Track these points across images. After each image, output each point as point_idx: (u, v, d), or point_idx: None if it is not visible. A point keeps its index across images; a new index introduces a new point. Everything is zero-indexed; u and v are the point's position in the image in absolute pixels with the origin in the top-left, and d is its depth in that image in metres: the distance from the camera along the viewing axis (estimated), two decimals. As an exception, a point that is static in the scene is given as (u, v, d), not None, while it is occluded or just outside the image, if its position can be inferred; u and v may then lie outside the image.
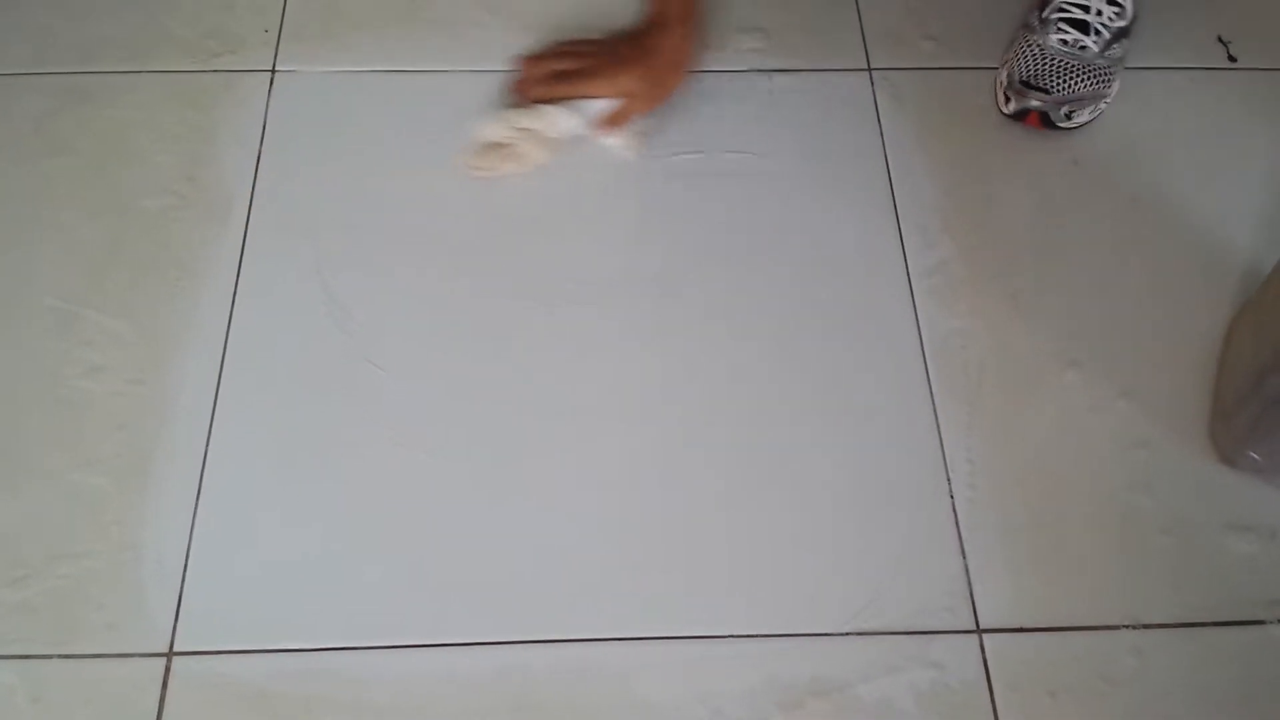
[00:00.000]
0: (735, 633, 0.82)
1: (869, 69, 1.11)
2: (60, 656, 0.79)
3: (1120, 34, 1.06)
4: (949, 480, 0.88)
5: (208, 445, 0.88)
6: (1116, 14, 1.05)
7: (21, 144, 1.04)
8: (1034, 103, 1.03)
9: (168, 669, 0.79)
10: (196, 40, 1.10)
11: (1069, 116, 1.04)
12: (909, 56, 1.12)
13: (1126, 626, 0.83)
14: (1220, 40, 1.14)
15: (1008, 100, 1.06)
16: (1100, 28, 1.05)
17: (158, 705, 0.78)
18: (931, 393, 0.92)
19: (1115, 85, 1.07)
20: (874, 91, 1.10)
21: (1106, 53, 1.05)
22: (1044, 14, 1.07)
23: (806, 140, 1.06)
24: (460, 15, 1.13)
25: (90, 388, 0.90)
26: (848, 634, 0.82)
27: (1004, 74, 1.07)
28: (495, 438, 0.89)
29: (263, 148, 1.04)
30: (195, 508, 0.86)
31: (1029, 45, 1.06)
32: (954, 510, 0.87)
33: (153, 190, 1.01)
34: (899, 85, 1.10)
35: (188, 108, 1.06)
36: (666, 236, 1.00)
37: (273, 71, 1.08)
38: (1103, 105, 1.06)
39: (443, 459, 0.88)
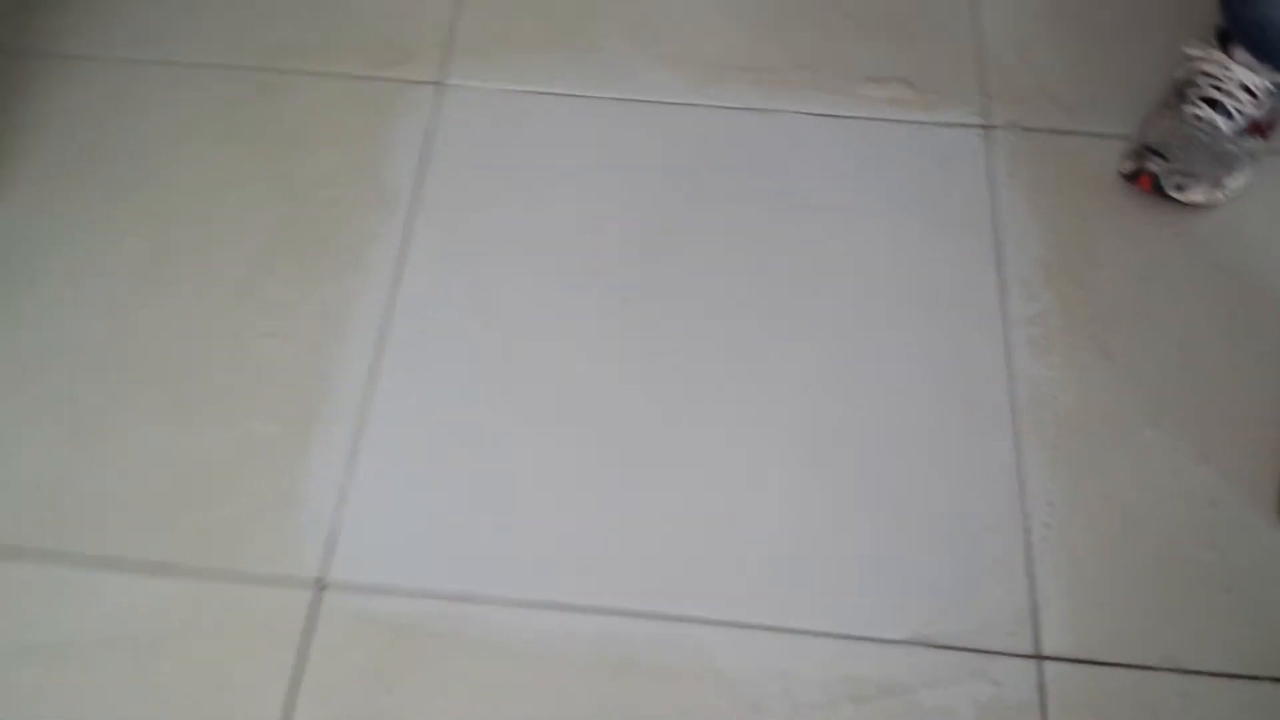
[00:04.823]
0: (819, 629, 0.90)
1: (987, 126, 1.18)
2: (222, 577, 0.91)
3: (1257, 126, 1.11)
4: (1026, 516, 0.95)
5: (368, 409, 0.99)
6: (1252, 102, 1.09)
7: (213, 127, 1.17)
8: (1149, 165, 1.09)
9: (315, 598, 0.90)
10: (374, 49, 1.23)
11: (1180, 188, 1.09)
12: (1031, 117, 1.19)
13: (1177, 670, 0.89)
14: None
15: (1126, 160, 1.12)
16: (1234, 111, 1.09)
17: (302, 628, 0.89)
18: (1016, 434, 0.99)
19: (1239, 178, 1.10)
20: (989, 147, 1.17)
21: (1239, 140, 1.10)
22: (1182, 93, 1.12)
23: (915, 188, 1.14)
24: (609, 45, 1.24)
25: (267, 349, 1.02)
26: (918, 644, 0.89)
27: (1133, 138, 1.13)
28: (623, 431, 0.99)
29: (427, 152, 1.15)
30: (353, 462, 0.97)
31: (1161, 115, 1.12)
32: (1028, 545, 0.94)
33: (325, 182, 1.13)
34: (1015, 144, 1.17)
35: (361, 110, 1.18)
36: (780, 266, 1.09)
37: (441, 84, 1.20)
38: (1221, 195, 1.10)
39: (574, 444, 0.98)
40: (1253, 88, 1.09)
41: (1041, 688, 0.88)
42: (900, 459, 0.98)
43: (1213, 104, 1.10)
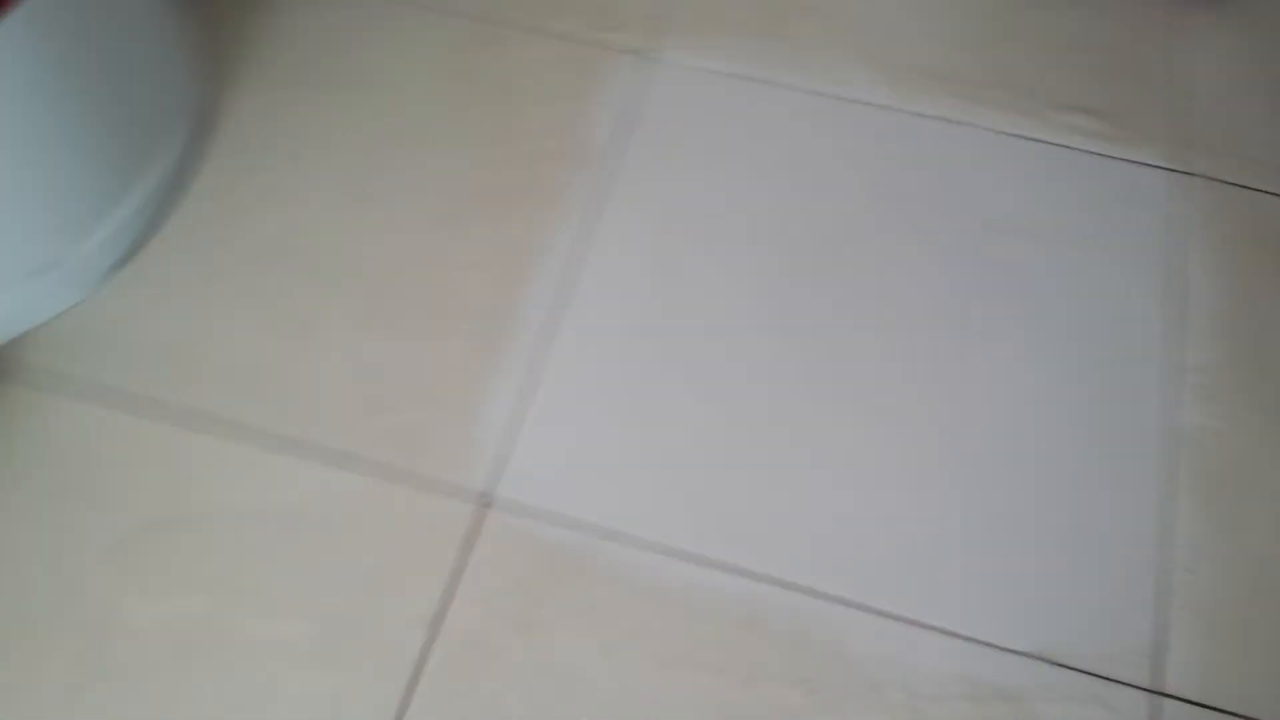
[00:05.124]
0: (945, 627, 0.93)
1: (1175, 170, 1.18)
2: (398, 478, 0.98)
3: None
4: (1167, 556, 0.96)
5: (547, 347, 1.05)
6: None
7: (433, 68, 1.24)
8: None
9: (479, 511, 0.97)
10: (590, 13, 1.28)
11: None
12: (1222, 168, 1.18)
13: (1298, 731, 0.89)
14: None
15: None
16: None
17: (464, 536, 0.95)
18: (1167, 477, 1.00)
19: None
20: (1174, 191, 1.16)
21: None
22: None
23: (1094, 221, 1.15)
24: (815, 38, 1.27)
25: (462, 276, 1.09)
26: (1041, 659, 0.92)
27: None
28: (785, 411, 1.03)
29: (629, 120, 1.20)
30: (529, 392, 1.03)
31: None
32: (1164, 584, 0.95)
33: (529, 134, 1.19)
34: (1203, 193, 1.16)
35: (572, 70, 1.24)
36: (947, 279, 1.11)
37: (650, 56, 1.25)
38: None
39: (736, 413, 1.03)
40: None
41: (1155, 722, 0.90)
42: (1049, 482, 1.00)
43: None
